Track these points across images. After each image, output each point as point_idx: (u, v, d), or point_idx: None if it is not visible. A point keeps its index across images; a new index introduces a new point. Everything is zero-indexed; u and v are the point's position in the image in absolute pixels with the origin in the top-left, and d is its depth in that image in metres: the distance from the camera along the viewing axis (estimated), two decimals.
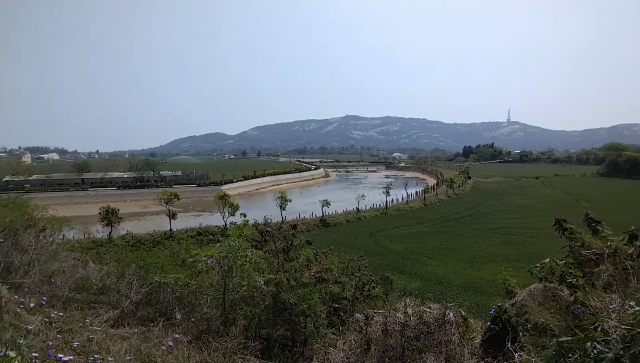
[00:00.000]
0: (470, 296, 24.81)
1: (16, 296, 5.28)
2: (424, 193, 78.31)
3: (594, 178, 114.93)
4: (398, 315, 5.05)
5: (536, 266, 7.61)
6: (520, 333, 4.40)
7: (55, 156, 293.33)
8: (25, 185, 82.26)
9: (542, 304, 5.95)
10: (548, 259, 5.99)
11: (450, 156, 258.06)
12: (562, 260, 5.78)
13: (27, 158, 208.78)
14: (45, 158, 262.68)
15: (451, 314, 5.23)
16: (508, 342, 4.33)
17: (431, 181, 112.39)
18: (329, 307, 8.97)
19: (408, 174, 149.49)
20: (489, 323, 4.99)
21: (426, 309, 5.25)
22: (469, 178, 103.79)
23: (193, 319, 6.93)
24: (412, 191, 78.73)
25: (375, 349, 4.85)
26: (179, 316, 7.22)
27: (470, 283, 28.59)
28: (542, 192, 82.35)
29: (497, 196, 77.81)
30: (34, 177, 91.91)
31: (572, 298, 4.77)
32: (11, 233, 7.27)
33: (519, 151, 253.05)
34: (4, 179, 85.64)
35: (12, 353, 2.93)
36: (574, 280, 5.08)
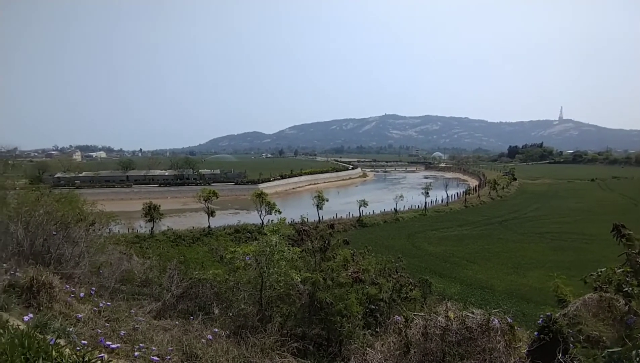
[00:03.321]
0: (515, 304, 23.55)
1: (67, 286, 5.61)
2: (465, 195, 75.59)
3: None
4: (439, 318, 4.87)
5: (592, 275, 7.09)
6: (571, 345, 4.21)
7: (103, 154, 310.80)
8: (75, 181, 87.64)
9: (597, 315, 5.54)
10: (605, 267, 5.60)
11: (494, 156, 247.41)
12: (620, 269, 5.38)
13: (77, 156, 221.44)
14: (94, 156, 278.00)
15: (496, 321, 4.99)
16: (559, 353, 4.17)
17: (473, 183, 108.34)
18: (366, 308, 8.86)
19: (448, 175, 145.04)
20: (536, 333, 4.79)
21: (469, 314, 5.04)
22: (514, 179, 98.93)
23: (231, 314, 7.07)
24: (452, 192, 76.21)
25: (414, 352, 4.71)
26: (216, 311, 7.41)
27: (515, 289, 27.24)
28: (597, 195, 76.76)
29: (546, 198, 73.52)
30: (83, 174, 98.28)
31: (626, 308, 4.48)
32: (63, 226, 7.75)
33: (571, 151, 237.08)
34: (57, 176, 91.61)
35: (61, 342, 3.08)
36: (630, 289, 4.76)
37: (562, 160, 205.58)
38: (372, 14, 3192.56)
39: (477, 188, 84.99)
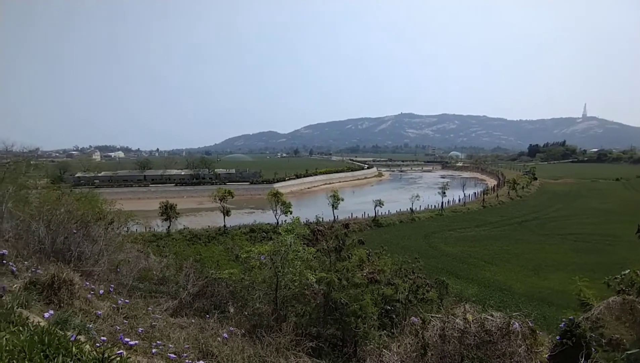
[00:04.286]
0: (536, 307, 22.95)
1: (87, 283, 5.73)
2: (483, 194, 74.18)
3: None
4: (457, 321, 4.77)
5: (616, 278, 6.86)
6: (593, 349, 4.17)
7: (121, 154, 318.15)
8: (94, 181, 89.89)
9: (619, 318, 5.37)
10: (628, 270, 5.42)
11: (514, 155, 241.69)
12: None
13: (96, 156, 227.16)
14: (112, 156, 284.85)
15: (517, 324, 4.86)
16: (581, 358, 4.11)
17: (491, 182, 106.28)
18: (381, 309, 8.78)
19: (466, 174, 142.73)
20: (558, 337, 4.69)
21: (488, 317, 4.92)
22: (535, 178, 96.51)
23: (246, 313, 7.11)
24: (470, 192, 74.94)
25: (431, 355, 4.62)
26: (232, 310, 7.45)
27: (536, 292, 26.57)
28: (622, 195, 74.24)
29: (569, 199, 71.46)
30: (102, 173, 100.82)
31: None
32: (83, 224, 7.94)
33: (596, 150, 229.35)
34: (77, 175, 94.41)
35: (81, 338, 3.12)
36: None
37: (585, 159, 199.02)
38: (387, 13, 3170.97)
39: (495, 188, 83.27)
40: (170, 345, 4.62)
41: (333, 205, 49.78)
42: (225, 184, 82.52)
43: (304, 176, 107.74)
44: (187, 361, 4.31)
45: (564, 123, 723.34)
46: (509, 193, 74.08)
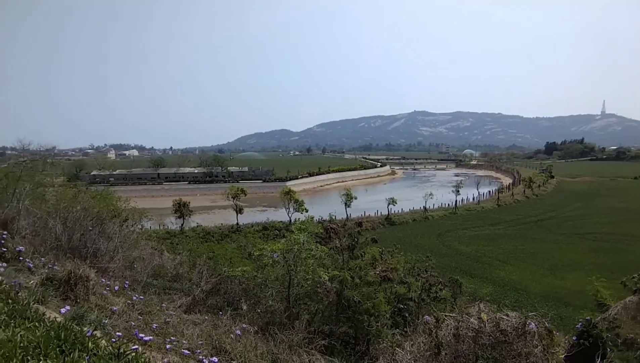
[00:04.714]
0: (552, 307, 22.41)
1: (103, 280, 5.83)
2: (498, 193, 73.03)
3: None
4: (471, 320, 4.70)
5: (633, 277, 6.69)
6: (609, 349, 4.17)
7: (135, 152, 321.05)
8: (109, 179, 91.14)
9: (635, 317, 5.26)
10: None
11: (530, 153, 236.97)
12: None
13: (111, 154, 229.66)
14: (127, 154, 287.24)
15: (533, 324, 4.77)
16: (598, 358, 4.11)
17: (506, 181, 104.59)
18: (394, 307, 8.74)
19: (480, 172, 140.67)
20: (574, 338, 4.62)
21: (503, 316, 4.85)
22: (552, 177, 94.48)
23: (259, 310, 7.14)
24: (484, 190, 73.80)
25: (445, 354, 4.57)
26: (244, 307, 7.50)
27: (552, 292, 26.07)
28: None
29: (587, 197, 69.80)
30: (117, 172, 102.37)
31: None
32: (98, 221, 8.08)
33: (614, 148, 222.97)
34: (92, 174, 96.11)
35: (97, 333, 3.17)
36: None
37: (604, 157, 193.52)
38: (400, 10, 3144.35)
39: (510, 186, 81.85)
40: (184, 341, 4.67)
41: (346, 203, 49.66)
42: (238, 182, 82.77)
43: (317, 174, 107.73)
44: (200, 357, 4.35)
45: (582, 120, 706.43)
46: (524, 191, 72.72)
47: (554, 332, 4.95)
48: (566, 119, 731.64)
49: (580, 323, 4.67)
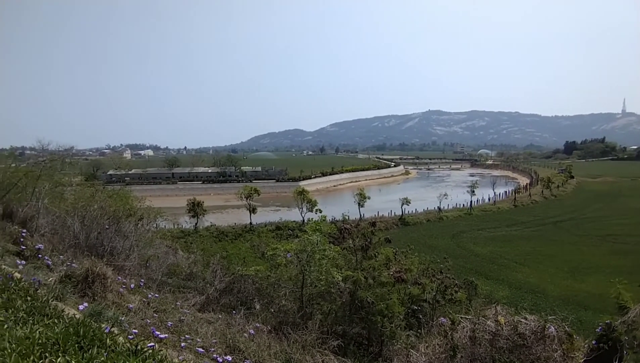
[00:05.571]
0: (571, 311, 21.91)
1: (119, 277, 5.93)
2: (515, 193, 71.68)
3: None
4: (488, 323, 4.62)
5: None
6: (625, 352, 4.15)
7: (150, 152, 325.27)
8: (125, 178, 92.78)
9: None
10: None
11: (548, 152, 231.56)
12: None
13: (127, 154, 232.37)
14: (142, 154, 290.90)
15: (552, 328, 4.65)
16: (616, 361, 4.09)
17: (523, 181, 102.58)
18: (408, 309, 8.65)
19: (496, 172, 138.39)
20: (594, 342, 4.59)
21: (521, 320, 4.75)
22: (572, 177, 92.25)
23: (272, 310, 7.16)
24: (500, 190, 72.46)
25: (461, 357, 4.49)
26: (258, 307, 7.52)
27: (571, 295, 25.45)
28: None
29: (608, 198, 67.93)
30: (132, 171, 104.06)
31: None
32: (115, 220, 8.23)
33: (636, 147, 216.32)
34: (109, 173, 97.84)
35: (115, 330, 3.21)
36: None
37: (625, 156, 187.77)
38: (415, 6, 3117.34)
39: (527, 187, 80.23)
40: (199, 340, 4.71)
41: (359, 203, 49.45)
42: (251, 181, 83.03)
43: (330, 174, 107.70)
44: (215, 355, 4.37)
45: (603, 119, 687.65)
46: (542, 191, 71.19)
47: (574, 336, 4.85)
48: (586, 118, 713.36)
49: (600, 327, 4.59)
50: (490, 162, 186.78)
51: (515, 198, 65.54)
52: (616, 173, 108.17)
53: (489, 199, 65.45)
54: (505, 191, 75.45)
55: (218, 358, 4.27)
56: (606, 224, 47.54)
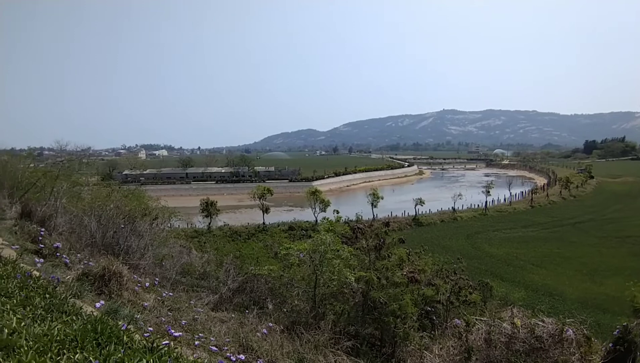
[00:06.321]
0: (590, 314, 21.32)
1: (134, 276, 6.02)
2: (532, 194, 70.20)
3: None
4: (504, 325, 4.54)
5: None
6: (639, 353, 4.15)
7: (165, 152, 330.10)
8: (140, 178, 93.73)
9: None
10: None
11: (567, 152, 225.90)
12: None
13: (142, 154, 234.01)
14: (157, 154, 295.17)
15: (570, 331, 4.55)
16: (630, 362, 4.09)
17: (540, 181, 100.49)
18: (421, 310, 8.57)
19: (512, 172, 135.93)
20: (611, 345, 4.54)
21: (538, 322, 4.65)
22: (591, 177, 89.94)
23: (285, 310, 7.17)
24: (516, 191, 71.07)
25: (476, 359, 4.42)
26: (270, 306, 7.54)
27: (590, 298, 24.82)
28: None
29: (629, 199, 65.96)
30: (147, 171, 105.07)
31: None
32: (130, 220, 8.36)
33: None
34: (124, 173, 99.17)
35: (131, 327, 3.26)
36: None
37: None
38: (428, 6, 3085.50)
39: (545, 187, 78.52)
40: (212, 338, 4.75)
41: (372, 203, 49.13)
42: (264, 182, 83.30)
43: (343, 174, 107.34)
44: (228, 354, 4.41)
45: (623, 118, 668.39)
46: (560, 192, 69.56)
47: (592, 339, 4.76)
48: (606, 116, 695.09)
49: (617, 330, 4.51)
50: (506, 162, 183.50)
51: (532, 199, 64.19)
52: (637, 173, 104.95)
53: (505, 199, 64.28)
54: (522, 192, 73.99)
55: (231, 357, 4.30)
56: (626, 225, 46.17)
